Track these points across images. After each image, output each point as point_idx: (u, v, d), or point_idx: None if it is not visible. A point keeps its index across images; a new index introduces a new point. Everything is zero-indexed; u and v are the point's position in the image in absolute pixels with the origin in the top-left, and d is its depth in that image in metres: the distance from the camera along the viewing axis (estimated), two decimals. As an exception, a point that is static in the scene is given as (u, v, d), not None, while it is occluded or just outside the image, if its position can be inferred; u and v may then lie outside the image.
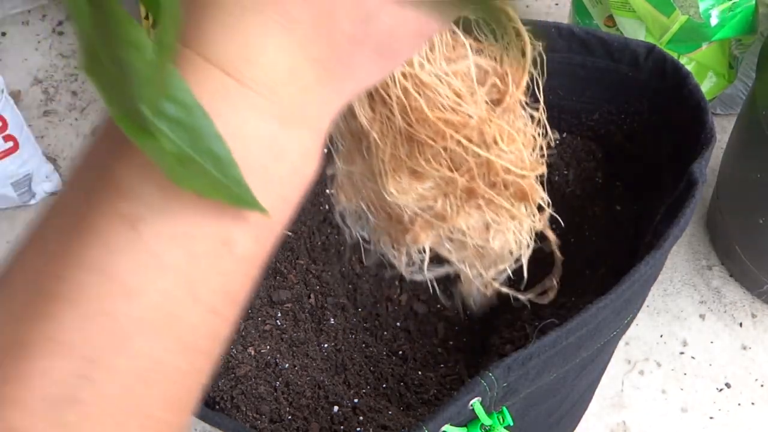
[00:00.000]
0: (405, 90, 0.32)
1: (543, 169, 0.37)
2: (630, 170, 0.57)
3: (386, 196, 0.36)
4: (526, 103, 0.37)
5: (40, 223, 0.21)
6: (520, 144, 0.35)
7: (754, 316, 0.79)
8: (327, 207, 0.59)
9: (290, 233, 0.56)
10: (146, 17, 0.84)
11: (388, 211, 0.38)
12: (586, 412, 0.65)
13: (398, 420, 0.49)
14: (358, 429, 0.49)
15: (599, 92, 0.55)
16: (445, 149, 0.34)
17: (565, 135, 0.59)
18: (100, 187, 0.20)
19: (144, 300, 0.20)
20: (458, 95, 0.33)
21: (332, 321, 0.54)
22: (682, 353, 0.77)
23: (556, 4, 1.05)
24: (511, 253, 0.39)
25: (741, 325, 0.79)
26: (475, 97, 0.34)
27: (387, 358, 0.53)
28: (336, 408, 0.49)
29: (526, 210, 0.38)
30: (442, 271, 0.42)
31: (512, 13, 0.33)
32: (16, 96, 1.03)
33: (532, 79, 0.36)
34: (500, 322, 0.57)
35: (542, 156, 0.37)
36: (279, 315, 0.53)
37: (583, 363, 0.46)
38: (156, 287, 0.20)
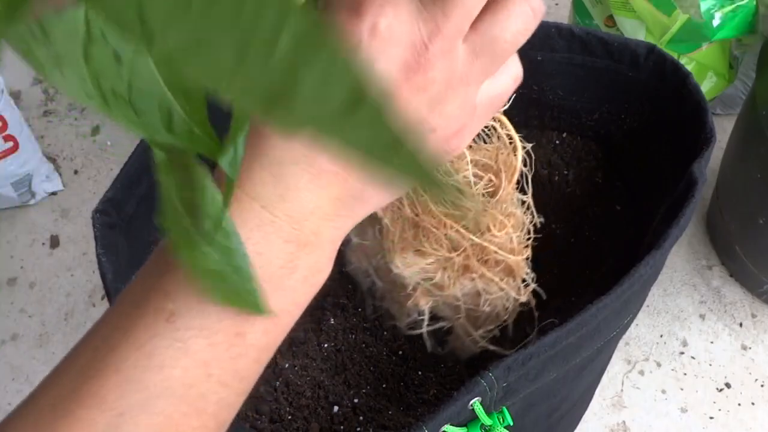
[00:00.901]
0: (414, 188, 0.37)
1: (528, 253, 0.44)
2: (630, 170, 0.57)
3: (393, 268, 0.42)
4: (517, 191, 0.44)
5: (108, 310, 0.29)
6: (510, 228, 0.42)
7: (754, 316, 0.79)
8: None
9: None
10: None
11: (393, 279, 0.44)
12: (586, 412, 0.65)
13: (398, 420, 0.49)
14: (358, 429, 0.49)
15: (599, 92, 0.55)
16: (445, 235, 0.41)
17: (565, 135, 0.59)
18: (151, 290, 0.27)
19: (168, 373, 0.26)
20: (459, 191, 0.39)
21: (332, 321, 0.54)
22: (682, 353, 0.77)
23: (556, 4, 1.05)
24: (498, 316, 0.46)
25: (741, 325, 0.79)
26: (473, 190, 0.41)
27: (387, 358, 0.53)
28: (336, 408, 0.49)
29: (513, 283, 0.44)
30: (437, 325, 0.47)
31: (505, 121, 0.42)
32: (16, 96, 1.03)
33: (522, 175, 0.43)
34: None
35: (528, 239, 0.44)
36: (279, 315, 0.52)
37: (583, 363, 0.46)
38: (179, 364, 0.26)
